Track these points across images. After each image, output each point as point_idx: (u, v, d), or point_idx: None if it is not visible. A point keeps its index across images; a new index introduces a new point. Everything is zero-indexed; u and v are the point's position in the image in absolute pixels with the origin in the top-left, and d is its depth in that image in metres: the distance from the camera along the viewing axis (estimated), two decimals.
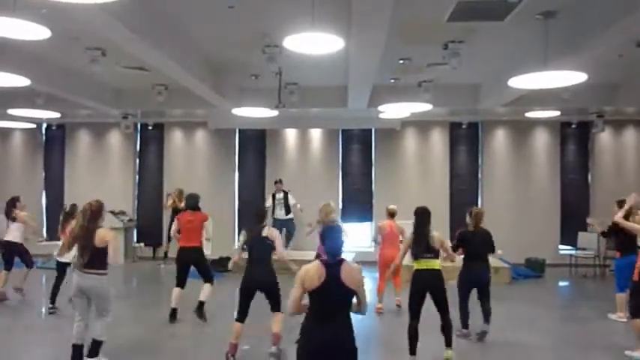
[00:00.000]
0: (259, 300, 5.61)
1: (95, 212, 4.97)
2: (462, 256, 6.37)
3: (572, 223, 11.90)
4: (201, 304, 6.81)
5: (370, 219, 12.44)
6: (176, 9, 6.03)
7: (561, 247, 11.98)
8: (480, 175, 12.47)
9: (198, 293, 6.90)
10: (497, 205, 11.90)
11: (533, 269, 10.81)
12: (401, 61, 7.97)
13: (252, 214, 6.01)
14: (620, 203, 7.28)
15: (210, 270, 7.03)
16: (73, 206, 7.02)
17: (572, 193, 12.20)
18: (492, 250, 6.46)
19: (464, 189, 12.38)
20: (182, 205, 12.19)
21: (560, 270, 11.18)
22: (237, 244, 5.62)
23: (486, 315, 6.24)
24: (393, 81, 9.01)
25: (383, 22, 5.16)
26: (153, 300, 8.74)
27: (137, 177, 13.17)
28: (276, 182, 11.58)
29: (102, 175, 12.97)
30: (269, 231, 5.71)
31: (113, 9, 4.84)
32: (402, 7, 5.33)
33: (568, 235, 11.76)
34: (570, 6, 5.68)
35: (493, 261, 8.65)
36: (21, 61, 7.20)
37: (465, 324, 6.32)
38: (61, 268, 7.11)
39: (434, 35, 6.72)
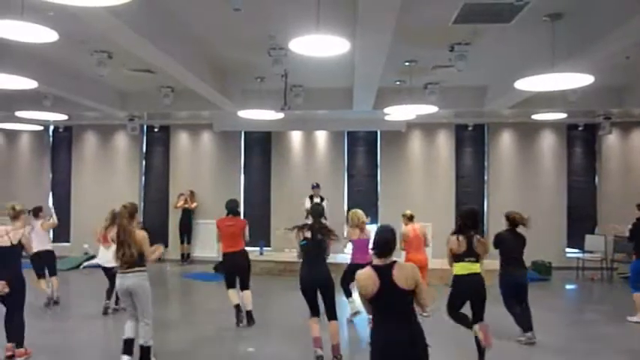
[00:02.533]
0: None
1: (132, 213, 5.16)
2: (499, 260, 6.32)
3: (579, 225, 11.84)
4: (248, 313, 6.80)
5: (376, 221, 12.39)
6: (182, 11, 6.06)
7: (568, 249, 11.91)
8: (485, 178, 12.42)
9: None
10: (503, 207, 11.67)
11: (539, 272, 10.75)
12: (407, 63, 7.97)
13: (314, 213, 5.79)
14: None
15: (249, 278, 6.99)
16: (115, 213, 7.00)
17: (578, 195, 12.13)
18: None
19: (469, 191, 12.34)
20: (193, 205, 12.31)
21: (567, 273, 11.11)
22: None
23: (528, 321, 6.15)
24: (398, 83, 9.01)
25: (389, 24, 5.16)
26: (161, 301, 8.75)
27: (143, 179, 13.22)
28: (313, 187, 10.98)
29: (108, 177, 13.03)
30: (328, 231, 5.64)
31: (120, 12, 4.87)
32: (408, 9, 5.33)
33: (575, 238, 11.70)
34: (577, 8, 5.65)
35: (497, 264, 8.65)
36: (29, 64, 7.26)
37: (526, 327, 6.13)
38: (109, 273, 7.10)
39: (440, 37, 6.71)
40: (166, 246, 12.66)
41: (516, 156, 12.30)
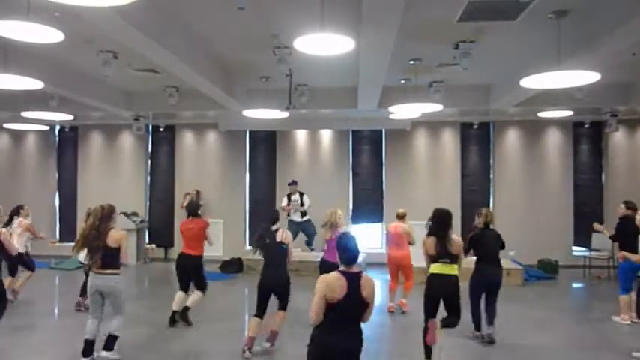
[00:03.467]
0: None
1: (106, 214, 5.16)
2: (474, 258, 6.31)
3: (585, 223, 11.70)
4: (186, 308, 6.81)
5: (381, 220, 12.41)
6: (187, 11, 6.07)
7: (574, 248, 11.86)
8: (491, 176, 12.38)
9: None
10: (509, 205, 11.82)
11: (545, 271, 10.72)
12: (411, 62, 7.95)
13: (266, 216, 6.06)
14: (627, 203, 7.24)
15: (204, 280, 6.98)
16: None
17: (585, 193, 12.07)
18: (502, 246, 6.31)
19: (475, 190, 12.31)
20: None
21: (574, 271, 11.07)
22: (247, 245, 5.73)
23: (491, 317, 6.15)
24: (403, 81, 8.99)
25: (393, 22, 5.15)
26: (164, 301, 8.76)
27: (149, 178, 13.27)
28: (289, 184, 11.21)
29: (114, 177, 13.08)
30: (284, 234, 5.83)
31: (126, 12, 4.89)
32: (413, 7, 5.31)
33: (581, 236, 11.63)
34: (582, 5, 5.62)
35: (505, 262, 8.62)
36: (34, 64, 7.30)
37: (477, 326, 6.24)
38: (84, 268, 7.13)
39: (445, 35, 6.69)
40: (172, 245, 12.73)
41: (522, 154, 12.25)
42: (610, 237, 7.37)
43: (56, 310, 7.77)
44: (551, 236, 11.62)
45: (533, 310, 7.91)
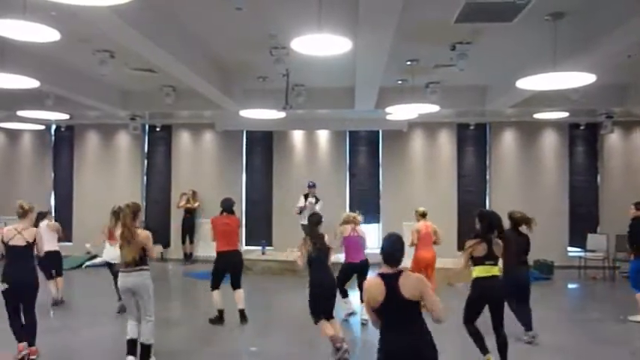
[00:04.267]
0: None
1: (135, 213, 5.20)
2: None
3: (581, 224, 11.83)
4: (241, 311, 6.80)
5: (377, 220, 12.42)
6: (184, 11, 6.06)
7: (570, 248, 11.90)
8: (487, 177, 12.41)
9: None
10: (504, 206, 11.64)
11: (541, 271, 10.74)
12: (408, 63, 7.96)
13: (310, 222, 5.88)
14: (637, 204, 7.26)
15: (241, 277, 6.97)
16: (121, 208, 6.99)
17: (580, 194, 12.11)
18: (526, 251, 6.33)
19: (471, 190, 12.33)
20: (196, 205, 12.31)
21: (569, 272, 11.10)
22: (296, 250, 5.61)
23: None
24: (400, 82, 9.00)
25: (390, 23, 5.16)
26: (161, 301, 8.76)
27: (145, 178, 13.23)
28: (309, 185, 10.97)
29: (110, 176, 13.05)
30: (329, 239, 5.78)
31: (122, 11, 4.88)
32: (410, 8, 5.32)
33: (577, 237, 11.68)
34: (579, 7, 5.65)
35: (500, 264, 8.62)
36: (31, 63, 7.27)
37: (527, 326, 6.18)
38: (114, 269, 7.08)
39: (441, 36, 6.71)
40: (168, 245, 12.71)
41: (518, 155, 12.29)
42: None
43: (51, 312, 7.73)
44: (546, 237, 11.60)
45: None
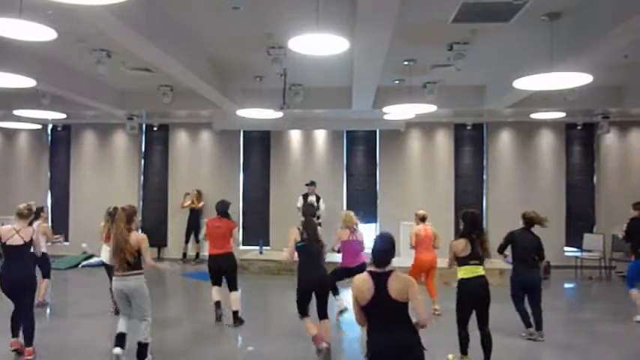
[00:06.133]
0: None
1: (130, 216, 5.17)
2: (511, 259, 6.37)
3: (577, 224, 11.86)
4: (235, 313, 6.74)
5: (375, 220, 12.43)
6: (181, 10, 6.05)
7: (567, 248, 11.93)
8: (484, 177, 12.43)
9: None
10: (501, 206, 11.85)
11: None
12: (405, 63, 7.97)
13: (305, 212, 5.83)
14: (636, 205, 7.28)
15: (236, 279, 6.91)
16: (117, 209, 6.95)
17: (577, 194, 12.15)
18: (539, 255, 6.33)
19: (468, 190, 12.35)
20: (200, 205, 12.29)
21: (566, 272, 11.13)
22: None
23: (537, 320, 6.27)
24: (397, 82, 9.01)
25: (388, 23, 5.16)
26: (158, 300, 8.76)
27: (142, 178, 13.21)
28: (308, 184, 11.14)
29: (107, 176, 13.02)
30: (321, 232, 5.64)
31: (119, 11, 4.87)
32: (407, 8, 5.33)
33: (573, 237, 11.71)
34: (576, 7, 5.66)
35: (498, 263, 8.63)
36: (27, 62, 7.25)
37: (527, 323, 6.27)
38: (111, 270, 7.06)
39: (439, 36, 6.71)
40: (165, 245, 12.68)
41: (515, 155, 12.31)
42: (622, 237, 7.42)
43: (48, 311, 7.71)
44: (543, 237, 11.58)
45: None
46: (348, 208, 12.41)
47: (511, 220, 11.61)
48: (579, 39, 5.93)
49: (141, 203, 13.05)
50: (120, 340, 5.13)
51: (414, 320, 3.30)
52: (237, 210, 12.70)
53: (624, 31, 5.24)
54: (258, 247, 11.50)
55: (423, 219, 7.68)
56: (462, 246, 5.18)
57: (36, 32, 4.64)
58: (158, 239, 12.74)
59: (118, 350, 5.07)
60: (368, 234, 12.37)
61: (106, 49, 7.32)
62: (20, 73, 6.33)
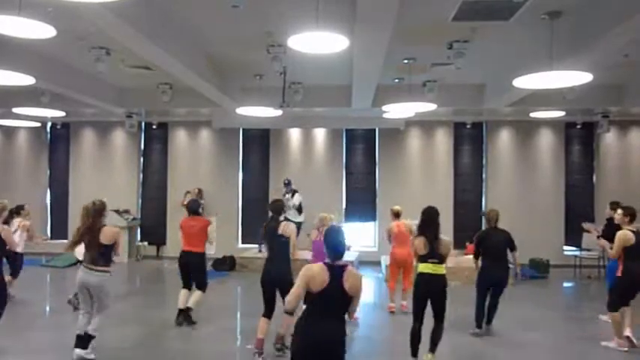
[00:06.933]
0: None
1: (98, 211, 5.18)
2: (480, 257, 6.39)
3: (576, 223, 11.78)
4: (188, 309, 6.69)
5: (374, 219, 12.43)
6: (180, 8, 6.04)
7: (566, 247, 11.94)
8: (484, 176, 12.44)
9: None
10: (501, 205, 11.67)
11: (537, 270, 10.78)
12: (405, 61, 7.96)
13: (269, 208, 5.82)
14: (613, 205, 7.27)
15: (205, 278, 6.88)
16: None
17: (576, 193, 12.16)
18: (512, 248, 6.36)
19: (468, 189, 12.36)
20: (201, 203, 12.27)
21: (565, 271, 11.14)
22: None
23: (491, 316, 6.29)
24: (397, 81, 9.00)
25: (388, 21, 5.16)
26: (157, 299, 8.77)
27: (141, 176, 13.20)
28: (285, 184, 11.31)
29: (106, 174, 13.00)
30: (284, 227, 5.56)
31: (118, 8, 4.86)
32: (407, 7, 5.32)
33: (572, 236, 11.71)
34: (576, 6, 5.65)
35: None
36: (26, 60, 7.23)
37: (479, 324, 6.33)
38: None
39: (438, 35, 6.70)
40: (164, 244, 12.68)
41: (514, 154, 12.32)
42: (598, 236, 7.40)
43: (47, 308, 7.71)
44: (542, 236, 11.68)
45: (525, 309, 7.94)
46: (348, 206, 12.48)
47: (510, 218, 11.65)
48: (579, 38, 5.93)
49: (140, 201, 13.04)
50: (80, 340, 5.11)
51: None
52: (236, 208, 12.73)
53: (624, 30, 5.23)
54: (257, 246, 11.50)
55: (397, 215, 7.73)
56: (422, 244, 5.20)
57: (35, 30, 4.62)
58: (157, 237, 12.76)
59: (78, 352, 5.08)
60: (367, 232, 12.52)
61: (105, 47, 7.31)
62: (19, 71, 6.31)
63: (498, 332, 6.40)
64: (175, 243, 12.42)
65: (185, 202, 12.31)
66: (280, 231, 5.52)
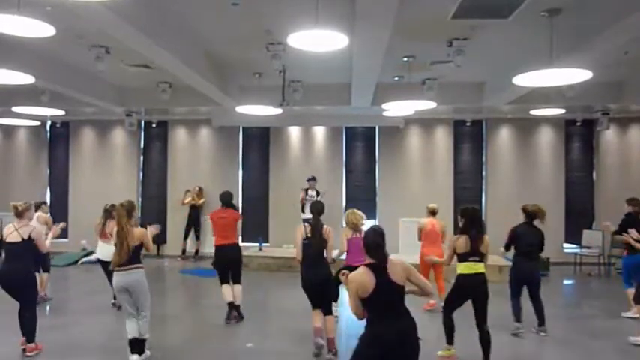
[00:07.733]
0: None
1: (129, 211, 5.19)
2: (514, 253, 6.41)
3: (576, 221, 11.88)
4: (237, 308, 6.71)
5: (374, 216, 12.43)
6: (180, 6, 6.03)
7: (566, 245, 11.95)
8: (484, 173, 12.45)
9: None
10: (501, 202, 11.87)
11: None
12: (405, 59, 7.96)
13: (312, 212, 5.77)
14: (632, 201, 7.27)
15: (241, 272, 6.88)
16: (114, 207, 6.93)
17: (576, 191, 12.17)
18: (541, 249, 6.36)
19: (468, 187, 12.37)
20: (201, 202, 12.30)
21: (565, 268, 11.15)
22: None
23: (540, 317, 6.39)
24: (396, 79, 9.00)
25: (387, 19, 5.16)
26: (155, 298, 8.76)
27: (141, 174, 13.21)
28: (309, 179, 11.20)
29: (106, 173, 13.02)
30: (327, 231, 5.60)
31: (117, 7, 4.86)
32: (407, 5, 5.32)
33: (572, 233, 11.74)
34: (575, 3, 5.65)
35: (497, 259, 8.65)
36: (26, 59, 7.23)
37: (517, 318, 6.34)
38: (107, 267, 7.06)
39: (438, 33, 6.70)
40: (165, 242, 12.68)
41: (514, 152, 12.32)
42: (614, 232, 7.41)
43: (47, 308, 7.72)
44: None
45: (526, 307, 7.93)
46: (348, 204, 12.45)
47: (510, 216, 11.66)
48: (579, 35, 5.93)
49: (140, 200, 13.04)
50: (134, 346, 5.13)
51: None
52: (236, 206, 12.72)
53: (624, 27, 5.24)
54: (257, 244, 11.51)
55: (433, 213, 7.62)
56: (462, 242, 5.20)
57: (34, 29, 4.62)
58: (157, 236, 12.68)
59: (135, 358, 5.09)
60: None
61: (105, 45, 7.31)
62: (19, 70, 6.31)
63: (500, 329, 6.39)
64: (176, 241, 12.50)
65: (185, 201, 12.37)
66: (324, 234, 5.54)
